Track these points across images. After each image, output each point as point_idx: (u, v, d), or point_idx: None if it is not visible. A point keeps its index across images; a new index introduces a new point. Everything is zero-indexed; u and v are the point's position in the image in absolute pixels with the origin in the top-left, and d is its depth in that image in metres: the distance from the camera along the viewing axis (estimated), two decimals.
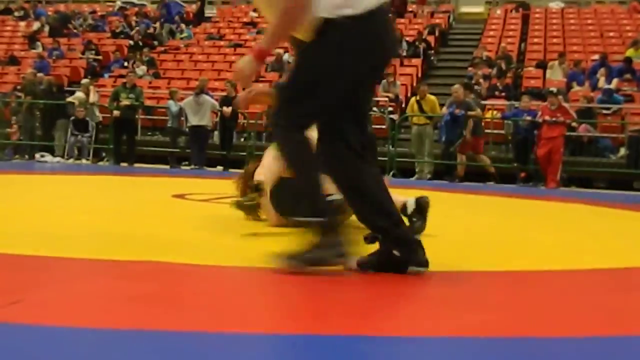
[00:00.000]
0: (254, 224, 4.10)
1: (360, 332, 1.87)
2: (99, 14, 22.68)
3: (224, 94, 13.29)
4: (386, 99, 14.12)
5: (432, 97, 12.42)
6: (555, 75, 15.20)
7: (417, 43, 17.25)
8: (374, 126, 13.10)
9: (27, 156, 13.17)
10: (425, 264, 2.70)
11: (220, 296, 2.27)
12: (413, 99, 12.70)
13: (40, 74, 15.16)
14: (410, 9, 20.67)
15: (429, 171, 12.16)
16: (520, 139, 11.72)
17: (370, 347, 1.74)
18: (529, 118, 11.55)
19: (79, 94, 13.83)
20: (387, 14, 2.82)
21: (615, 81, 14.19)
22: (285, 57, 17.25)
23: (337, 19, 2.58)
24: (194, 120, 12.60)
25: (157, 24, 20.58)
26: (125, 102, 12.54)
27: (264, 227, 4.00)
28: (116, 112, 12.45)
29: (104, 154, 13.56)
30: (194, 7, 22.38)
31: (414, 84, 15.29)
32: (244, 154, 12.05)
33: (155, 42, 19.50)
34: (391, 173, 12.00)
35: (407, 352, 1.74)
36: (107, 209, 4.77)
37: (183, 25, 20.90)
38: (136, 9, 22.38)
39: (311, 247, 2.60)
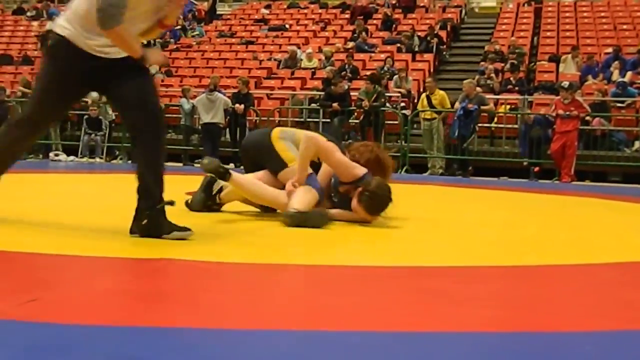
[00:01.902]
0: (267, 221, 4.11)
1: (371, 328, 1.87)
2: None
3: (236, 91, 13.31)
4: (398, 94, 14.10)
5: (441, 92, 12.41)
6: (569, 69, 15.11)
7: (429, 38, 17.18)
8: (387, 122, 13.11)
9: (41, 155, 13.25)
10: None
11: (236, 293, 2.28)
12: (424, 94, 12.71)
13: None
14: (422, 4, 20.61)
15: (440, 166, 12.13)
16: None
17: (381, 342, 1.74)
18: (543, 112, 11.53)
19: (92, 93, 13.88)
20: None
21: (629, 74, 14.09)
22: (298, 53, 17.25)
23: None
24: (206, 118, 12.63)
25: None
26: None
27: (277, 224, 4.00)
28: None
29: (117, 152, 13.62)
30: (205, 5, 22.42)
31: (426, 79, 15.26)
32: None
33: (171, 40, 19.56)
34: (404, 169, 11.99)
35: (416, 348, 1.74)
36: (122, 206, 4.78)
37: (195, 24, 20.95)
38: None
39: None
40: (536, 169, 11.74)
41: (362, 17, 19.37)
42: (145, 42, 3.80)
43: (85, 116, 13.31)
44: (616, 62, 14.61)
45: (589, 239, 4.11)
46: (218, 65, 17.55)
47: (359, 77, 15.23)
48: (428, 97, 12.30)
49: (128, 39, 3.20)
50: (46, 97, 3.38)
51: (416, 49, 17.04)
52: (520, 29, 18.37)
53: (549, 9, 19.53)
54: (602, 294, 2.49)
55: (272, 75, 16.72)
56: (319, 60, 16.73)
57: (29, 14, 22.13)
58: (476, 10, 22.07)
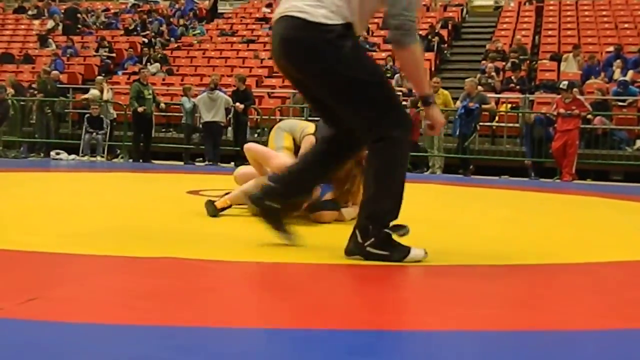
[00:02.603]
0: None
1: (371, 327, 1.87)
2: (112, 11, 22.77)
3: (234, 89, 13.32)
4: (399, 93, 14.09)
5: (445, 92, 12.39)
6: (570, 68, 15.09)
7: (430, 37, 17.18)
8: None
9: (42, 154, 13.25)
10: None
11: (236, 293, 2.28)
12: None
13: (55, 72, 15.24)
14: (423, 3, 20.60)
15: (439, 166, 12.12)
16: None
17: (381, 341, 1.74)
18: (545, 111, 11.52)
19: (94, 92, 13.91)
20: (280, 23, 3.04)
21: (630, 73, 14.08)
22: None
23: None
24: (207, 117, 12.64)
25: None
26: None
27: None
28: (141, 109, 12.53)
29: (118, 151, 13.62)
30: (207, 4, 22.42)
31: (433, 79, 15.24)
32: None
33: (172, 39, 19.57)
34: None
35: (416, 347, 1.74)
36: (123, 205, 4.80)
37: (196, 22, 20.96)
38: (148, 6, 22.45)
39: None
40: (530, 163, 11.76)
41: None
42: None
43: (87, 115, 13.32)
44: (618, 61, 14.61)
45: (591, 238, 4.11)
46: (219, 64, 17.55)
47: None
48: None
49: (421, 63, 2.70)
50: None
51: None
52: (521, 28, 18.35)
53: (551, 7, 19.51)
54: (603, 293, 2.49)
55: (273, 74, 16.71)
56: None
57: (30, 12, 22.14)
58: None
